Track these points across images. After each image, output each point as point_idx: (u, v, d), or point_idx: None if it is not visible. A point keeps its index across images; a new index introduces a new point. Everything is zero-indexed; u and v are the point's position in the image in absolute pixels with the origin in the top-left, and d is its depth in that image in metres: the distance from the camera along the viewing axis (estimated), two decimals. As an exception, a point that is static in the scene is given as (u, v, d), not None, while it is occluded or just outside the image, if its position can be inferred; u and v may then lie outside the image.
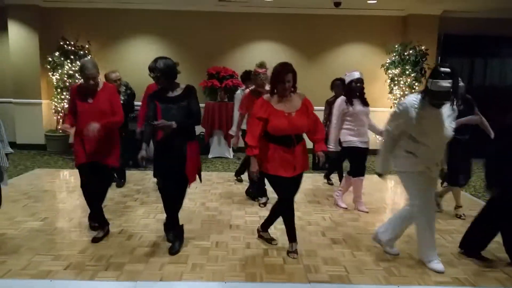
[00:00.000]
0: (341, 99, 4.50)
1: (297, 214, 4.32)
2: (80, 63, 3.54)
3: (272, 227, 3.70)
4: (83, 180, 3.59)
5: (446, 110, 3.01)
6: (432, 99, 2.92)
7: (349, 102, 4.41)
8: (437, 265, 3.15)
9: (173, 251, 3.36)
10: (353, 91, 4.42)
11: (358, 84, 4.40)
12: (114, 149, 3.65)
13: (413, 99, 3.03)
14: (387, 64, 7.82)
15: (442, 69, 2.83)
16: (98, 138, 3.42)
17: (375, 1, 7.17)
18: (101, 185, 3.70)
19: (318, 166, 6.20)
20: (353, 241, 3.75)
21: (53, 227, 3.95)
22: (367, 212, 4.55)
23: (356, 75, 4.43)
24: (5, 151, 3.35)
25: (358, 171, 4.56)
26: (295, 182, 3.34)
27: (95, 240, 3.59)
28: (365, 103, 4.48)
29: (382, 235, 3.42)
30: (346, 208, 4.68)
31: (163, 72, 3.21)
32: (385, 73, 7.89)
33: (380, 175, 3.37)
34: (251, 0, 7.40)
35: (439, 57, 8.02)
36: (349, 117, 4.43)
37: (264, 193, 4.79)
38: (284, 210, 3.37)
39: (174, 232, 3.50)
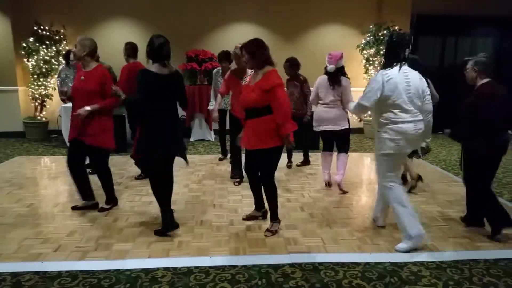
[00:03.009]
0: (321, 78, 4.65)
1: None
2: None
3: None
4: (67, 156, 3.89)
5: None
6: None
7: (322, 80, 4.63)
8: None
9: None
10: (325, 70, 4.61)
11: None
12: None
13: (385, 72, 3.10)
14: (362, 45, 8.00)
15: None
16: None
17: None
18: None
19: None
20: (329, 215, 3.98)
21: (39, 212, 4.02)
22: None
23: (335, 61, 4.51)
24: None
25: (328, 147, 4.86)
26: (252, 157, 3.46)
27: (74, 208, 4.00)
28: (335, 83, 4.54)
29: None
30: (328, 182, 4.87)
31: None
32: (361, 54, 8.07)
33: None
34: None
35: (412, 37, 8.23)
36: (320, 98, 4.68)
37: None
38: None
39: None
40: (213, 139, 7.76)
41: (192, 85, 7.72)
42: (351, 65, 8.08)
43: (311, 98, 4.89)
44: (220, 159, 6.13)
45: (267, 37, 7.90)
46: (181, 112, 3.60)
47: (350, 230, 3.61)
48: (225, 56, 5.44)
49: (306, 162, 5.94)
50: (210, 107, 5.78)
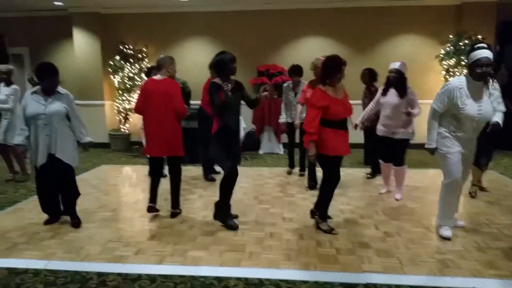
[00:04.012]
0: (381, 87, 4.74)
1: (348, 207, 4.47)
2: (167, 58, 4.15)
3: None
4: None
5: (490, 90, 3.36)
6: (473, 69, 3.27)
7: (384, 91, 4.62)
8: (446, 231, 3.61)
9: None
10: (387, 80, 4.59)
11: (392, 74, 4.50)
12: None
13: (459, 79, 3.43)
14: (441, 55, 7.61)
15: (478, 45, 3.29)
16: None
17: (428, -9, 7.00)
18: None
19: (369, 160, 6.18)
20: (407, 234, 3.78)
21: (121, 217, 4.33)
22: (398, 200, 4.74)
23: (393, 65, 4.53)
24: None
25: (384, 157, 4.79)
26: (339, 161, 3.79)
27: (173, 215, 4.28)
28: (401, 95, 4.47)
29: (437, 220, 3.77)
30: (381, 193, 4.97)
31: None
32: (440, 64, 7.68)
33: (428, 150, 3.66)
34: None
35: (497, 46, 7.67)
36: (380, 106, 4.68)
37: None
38: (334, 188, 3.79)
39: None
40: (282, 152, 7.80)
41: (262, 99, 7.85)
42: (430, 76, 7.75)
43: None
44: (289, 173, 6.14)
45: (337, 49, 7.86)
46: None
47: (430, 251, 3.39)
48: (295, 70, 5.50)
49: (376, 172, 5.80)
50: (281, 120, 5.85)
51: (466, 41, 7.29)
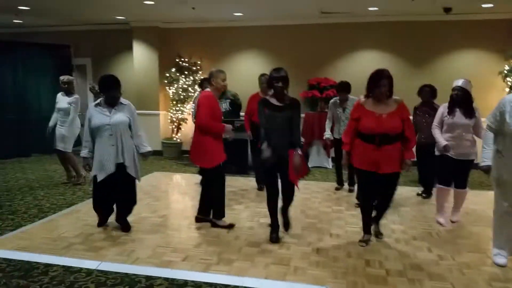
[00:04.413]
0: (444, 106, 4.41)
1: (399, 227, 4.29)
2: (214, 71, 4.19)
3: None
4: (223, 177, 4.21)
5: None
6: None
7: (449, 110, 4.30)
8: (499, 259, 3.36)
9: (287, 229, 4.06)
10: (451, 99, 4.30)
11: (456, 92, 4.23)
12: None
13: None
14: (505, 71, 7.18)
15: None
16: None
17: (492, 5, 6.65)
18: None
19: (424, 180, 5.90)
20: (462, 258, 3.56)
21: (170, 223, 4.44)
22: (454, 222, 4.46)
23: (456, 83, 4.27)
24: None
25: (446, 180, 4.36)
26: (382, 181, 3.59)
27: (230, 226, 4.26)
28: (468, 115, 4.20)
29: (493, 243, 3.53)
30: (442, 224, 4.42)
31: (286, 83, 3.71)
32: (503, 81, 7.24)
33: (483, 170, 3.39)
34: (355, 10, 7.39)
35: None
36: (446, 126, 4.33)
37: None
38: (365, 203, 3.80)
39: (284, 221, 4.06)
40: (330, 167, 7.67)
41: (312, 112, 7.82)
42: (492, 93, 7.32)
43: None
44: (337, 189, 5.99)
45: (393, 63, 7.64)
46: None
47: (487, 278, 3.17)
48: (343, 87, 5.47)
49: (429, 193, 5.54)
50: (325, 137, 5.74)
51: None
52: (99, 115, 3.91)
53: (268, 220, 4.40)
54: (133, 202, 4.24)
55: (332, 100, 5.75)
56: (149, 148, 4.22)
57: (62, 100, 5.87)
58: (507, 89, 7.17)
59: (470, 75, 4.85)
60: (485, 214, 4.82)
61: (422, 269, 3.33)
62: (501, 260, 3.39)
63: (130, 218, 4.34)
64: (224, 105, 5.68)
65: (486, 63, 7.50)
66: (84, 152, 4.04)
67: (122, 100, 4.03)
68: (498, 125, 3.25)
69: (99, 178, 3.94)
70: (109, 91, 3.91)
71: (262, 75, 5.51)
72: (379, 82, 3.44)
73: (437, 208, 4.54)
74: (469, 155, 4.27)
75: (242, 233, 4.11)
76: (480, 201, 5.43)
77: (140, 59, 8.72)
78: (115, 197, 4.13)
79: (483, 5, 6.70)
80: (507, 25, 7.38)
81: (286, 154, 3.62)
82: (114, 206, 4.24)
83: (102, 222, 4.26)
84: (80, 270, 3.24)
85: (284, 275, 3.19)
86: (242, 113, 6.30)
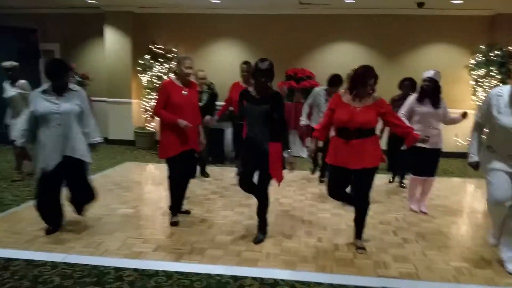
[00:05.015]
0: (413, 96, 4.53)
1: (370, 213, 4.38)
2: (178, 56, 3.93)
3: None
4: (175, 171, 3.98)
5: None
6: None
7: (419, 101, 4.41)
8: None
9: (256, 241, 3.62)
10: (421, 90, 4.42)
11: (426, 83, 4.36)
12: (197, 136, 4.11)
13: (500, 88, 3.11)
14: (471, 65, 7.44)
15: None
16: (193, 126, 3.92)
17: (462, 1, 6.85)
18: (190, 173, 4.19)
19: (392, 168, 6.08)
20: (425, 241, 3.75)
21: (142, 214, 4.40)
22: (425, 213, 4.53)
23: (427, 74, 4.40)
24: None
25: (420, 170, 4.48)
26: (357, 176, 3.39)
27: (174, 224, 4.02)
28: (437, 105, 4.36)
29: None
30: (415, 211, 4.60)
31: (270, 75, 3.43)
32: (469, 74, 7.51)
33: (471, 166, 3.30)
34: (332, 2, 7.44)
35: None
36: (416, 117, 4.44)
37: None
38: (331, 196, 3.57)
39: (259, 225, 3.72)
40: (306, 156, 7.76)
41: (288, 102, 7.85)
42: (458, 86, 7.58)
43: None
44: (312, 172, 6.11)
45: (368, 55, 7.81)
46: None
47: (446, 259, 3.38)
48: (337, 81, 5.36)
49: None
50: (302, 123, 5.82)
51: (497, 52, 7.10)
52: (45, 103, 3.50)
53: (242, 208, 4.51)
54: (90, 193, 3.84)
55: (317, 89, 5.74)
56: (99, 139, 3.87)
57: (8, 89, 5.36)
58: (472, 82, 7.44)
59: (439, 68, 4.98)
60: (448, 200, 5.08)
61: (387, 252, 3.48)
62: (493, 240, 3.38)
63: (98, 210, 4.27)
64: (205, 97, 5.60)
65: (454, 56, 7.74)
66: (20, 142, 3.65)
67: (71, 86, 3.68)
68: (485, 120, 3.19)
69: (44, 172, 3.55)
70: (57, 78, 3.53)
71: (244, 63, 5.48)
72: (367, 82, 3.24)
73: (409, 196, 4.71)
74: (438, 143, 4.43)
75: (216, 222, 4.13)
76: (444, 187, 5.69)
77: (112, 45, 8.48)
78: (71, 195, 3.81)
79: (454, 1, 6.90)
80: (475, 21, 7.63)
81: (266, 147, 3.43)
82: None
83: (51, 230, 3.76)
84: (44, 263, 3.14)
85: (257, 261, 3.24)
86: (220, 103, 6.26)
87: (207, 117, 4.15)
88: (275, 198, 4.98)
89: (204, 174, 5.97)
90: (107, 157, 7.36)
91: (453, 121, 4.52)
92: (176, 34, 8.42)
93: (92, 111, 3.87)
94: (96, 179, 5.75)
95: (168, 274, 3.00)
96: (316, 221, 4.20)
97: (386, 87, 5.86)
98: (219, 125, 6.19)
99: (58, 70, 3.54)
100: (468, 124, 3.47)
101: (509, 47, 7.07)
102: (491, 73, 7.13)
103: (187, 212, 4.35)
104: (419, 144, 4.21)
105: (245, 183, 3.62)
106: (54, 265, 3.13)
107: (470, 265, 3.26)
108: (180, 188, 4.10)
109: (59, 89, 3.57)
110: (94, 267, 3.11)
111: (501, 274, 3.08)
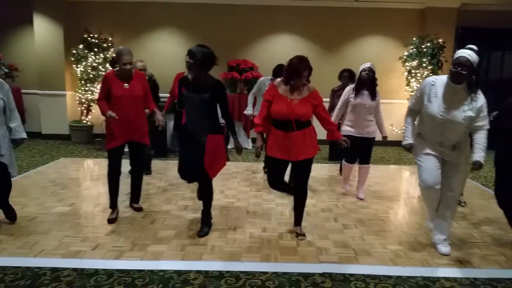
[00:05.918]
0: (349, 87, 4.67)
1: (311, 201, 4.52)
2: (117, 49, 3.76)
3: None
4: (112, 164, 3.84)
5: (466, 97, 3.03)
6: (451, 69, 3.00)
7: (356, 92, 4.53)
8: (443, 248, 3.34)
9: (201, 234, 3.57)
10: (360, 80, 4.53)
11: (366, 72, 4.46)
12: (146, 129, 3.98)
13: (435, 77, 3.21)
14: (404, 57, 7.86)
15: (468, 46, 3.04)
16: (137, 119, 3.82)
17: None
18: (137, 167, 4.13)
19: (334, 156, 6.32)
20: (363, 226, 3.92)
21: (80, 212, 4.18)
22: (362, 199, 4.73)
23: (364, 66, 4.53)
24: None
25: (352, 157, 4.72)
26: (297, 167, 3.49)
27: (111, 221, 3.86)
28: (373, 97, 4.52)
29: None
30: (346, 192, 4.92)
31: (198, 61, 3.30)
32: (403, 66, 7.93)
33: (405, 148, 3.42)
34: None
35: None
36: (350, 107, 4.59)
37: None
38: (273, 187, 3.60)
39: (203, 218, 3.68)
40: (251, 147, 7.81)
41: (232, 94, 7.83)
42: (393, 77, 7.98)
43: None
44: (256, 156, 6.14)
45: (307, 47, 7.98)
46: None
47: (384, 243, 3.55)
48: (282, 70, 5.38)
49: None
50: (247, 112, 5.83)
51: (428, 44, 7.57)
52: None
53: (186, 202, 4.44)
54: (9, 184, 3.71)
55: (262, 79, 5.72)
56: (24, 135, 3.69)
57: None
58: (406, 73, 7.87)
59: (374, 60, 5.22)
60: (385, 187, 5.34)
61: (328, 238, 3.61)
62: (430, 225, 3.58)
63: (32, 209, 4.03)
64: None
65: (389, 49, 8.14)
66: None
67: None
68: (418, 106, 3.28)
69: None
70: None
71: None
72: (302, 73, 3.23)
73: (343, 179, 5.00)
74: (372, 133, 4.63)
75: (158, 217, 4.02)
76: (381, 174, 5.99)
77: (43, 34, 7.92)
78: None
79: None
80: (407, 14, 8.08)
81: (203, 139, 3.37)
82: None
83: None
84: (-29, 267, 2.91)
85: (201, 255, 3.21)
86: (163, 95, 6.09)
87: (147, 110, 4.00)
88: (219, 190, 4.97)
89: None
90: (40, 152, 6.92)
91: (380, 126, 4.67)
92: (112, 23, 8.05)
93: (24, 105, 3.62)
94: (29, 176, 5.42)
95: (109, 273, 2.88)
96: (261, 212, 4.24)
97: (326, 78, 6.05)
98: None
99: None
100: (403, 114, 3.67)
101: (439, 39, 7.54)
102: (423, 64, 7.58)
103: (140, 209, 4.19)
104: (353, 134, 4.50)
105: (187, 176, 3.62)
106: (-19, 270, 2.89)
107: (406, 248, 3.44)
108: (116, 182, 3.92)
109: None
110: (28, 268, 2.92)
111: (434, 256, 3.28)
